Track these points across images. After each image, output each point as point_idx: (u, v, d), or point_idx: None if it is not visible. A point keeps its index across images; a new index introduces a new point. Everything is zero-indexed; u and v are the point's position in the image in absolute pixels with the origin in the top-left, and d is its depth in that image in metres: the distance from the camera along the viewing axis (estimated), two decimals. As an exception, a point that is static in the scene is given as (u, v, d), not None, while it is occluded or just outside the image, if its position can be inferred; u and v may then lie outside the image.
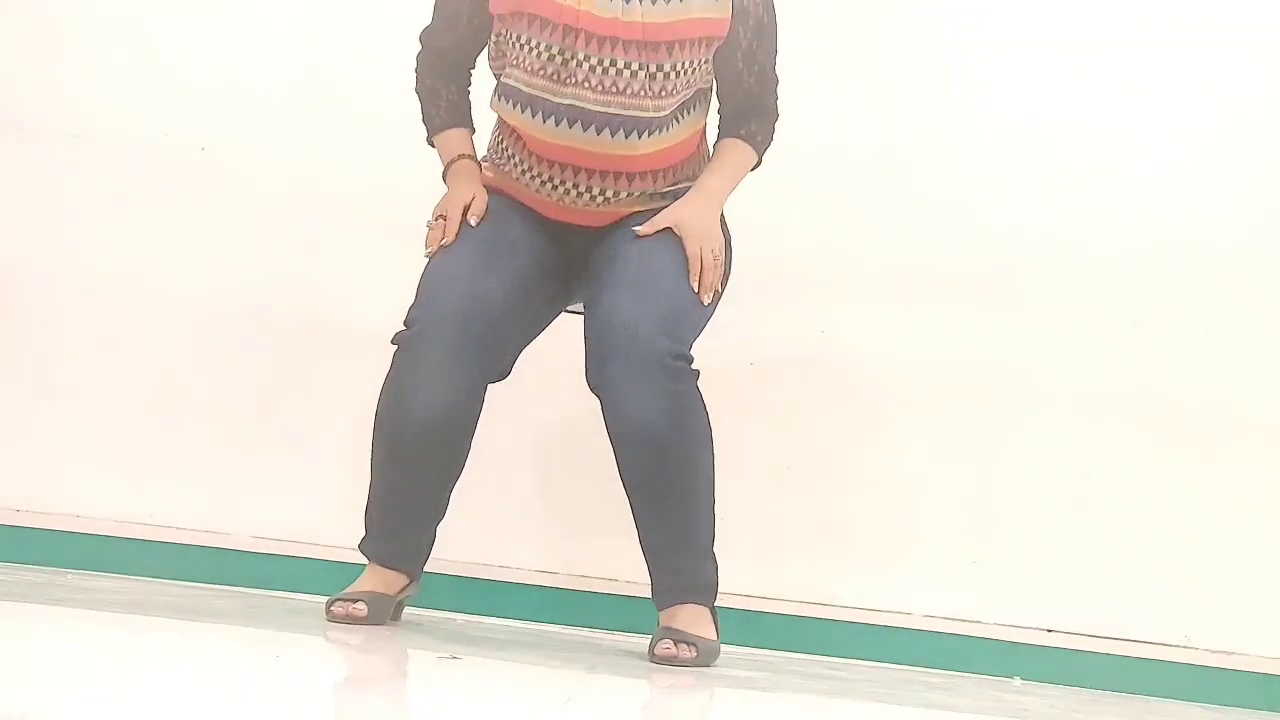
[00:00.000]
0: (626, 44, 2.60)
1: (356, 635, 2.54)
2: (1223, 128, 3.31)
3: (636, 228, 2.66)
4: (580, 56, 2.61)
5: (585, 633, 3.11)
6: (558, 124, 2.63)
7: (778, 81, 2.78)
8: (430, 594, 2.81)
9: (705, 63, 2.68)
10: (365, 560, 2.70)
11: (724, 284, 2.72)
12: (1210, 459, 3.24)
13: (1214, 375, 3.26)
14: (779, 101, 2.79)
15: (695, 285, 2.64)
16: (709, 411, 2.60)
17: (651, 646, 2.60)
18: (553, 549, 3.26)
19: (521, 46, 2.63)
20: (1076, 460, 3.26)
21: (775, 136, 2.80)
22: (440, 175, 2.78)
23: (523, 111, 2.65)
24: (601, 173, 2.66)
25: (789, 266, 3.29)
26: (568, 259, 2.74)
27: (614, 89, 2.61)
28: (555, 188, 2.68)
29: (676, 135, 2.69)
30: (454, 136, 2.78)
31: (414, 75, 2.80)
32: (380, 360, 2.62)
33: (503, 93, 2.68)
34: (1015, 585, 3.23)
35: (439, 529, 2.71)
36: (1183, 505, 3.24)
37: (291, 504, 3.24)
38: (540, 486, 3.29)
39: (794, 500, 3.25)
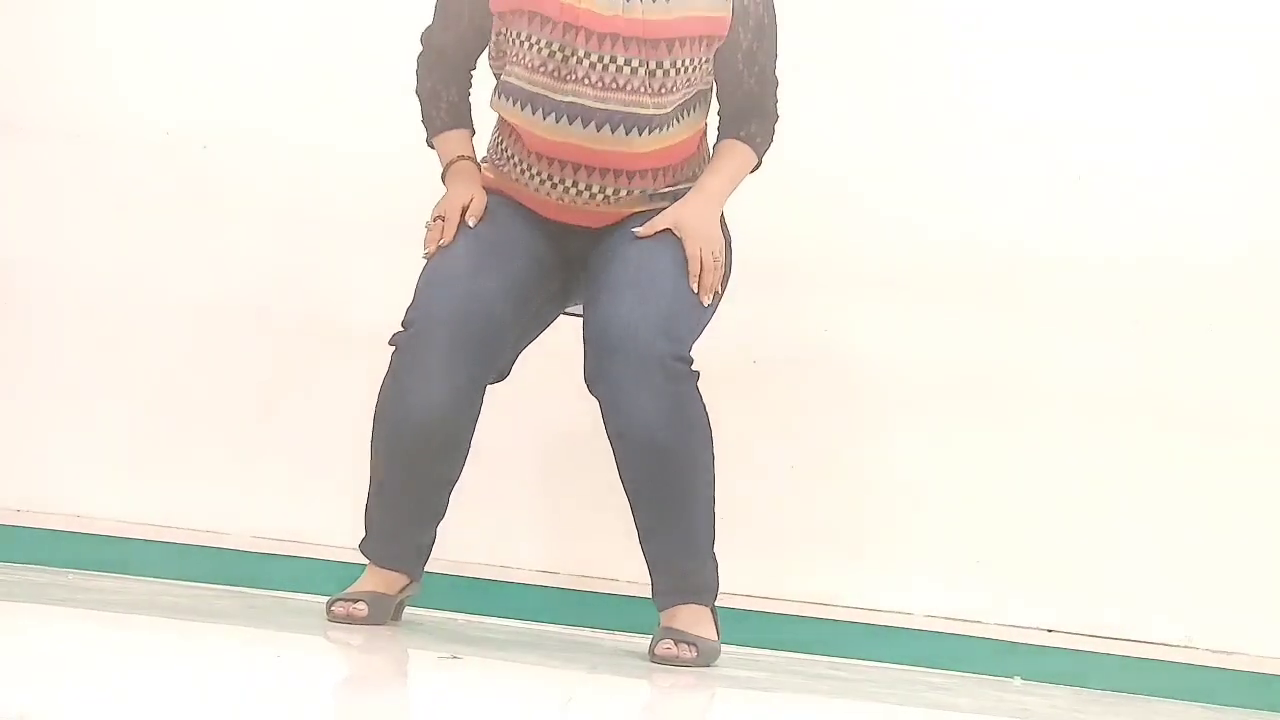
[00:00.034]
0: (627, 41, 2.60)
1: (357, 635, 2.54)
2: (1223, 128, 3.31)
3: (636, 229, 2.66)
4: (580, 53, 2.60)
5: (586, 633, 3.10)
6: (558, 121, 2.63)
7: (778, 83, 2.78)
8: (431, 594, 2.81)
9: (705, 62, 2.68)
10: (366, 560, 2.70)
11: (724, 285, 2.71)
12: (1211, 459, 3.24)
13: (1214, 375, 3.26)
14: (779, 103, 2.79)
15: (695, 286, 2.63)
16: (710, 411, 2.60)
17: (652, 646, 2.60)
18: (553, 549, 3.26)
19: (522, 44, 2.63)
20: (1078, 460, 3.26)
21: (775, 138, 2.79)
22: (440, 176, 2.78)
23: (523, 109, 2.65)
24: (601, 170, 2.66)
25: (790, 266, 3.29)
26: (567, 260, 2.74)
27: (614, 85, 2.61)
28: (555, 186, 2.68)
29: (676, 135, 2.69)
30: (454, 138, 2.77)
31: (414, 77, 2.80)
32: (380, 360, 2.62)
33: (503, 91, 2.68)
34: (1016, 585, 3.23)
35: (439, 529, 2.71)
36: (1183, 505, 3.24)
37: (291, 504, 3.24)
38: (541, 486, 3.29)
39: (795, 500, 3.25)
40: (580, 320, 2.67)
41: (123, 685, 1.91)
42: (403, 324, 2.60)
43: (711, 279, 2.65)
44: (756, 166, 2.80)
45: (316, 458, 3.23)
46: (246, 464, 3.26)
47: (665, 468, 2.57)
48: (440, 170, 2.78)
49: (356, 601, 2.62)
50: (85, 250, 3.31)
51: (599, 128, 2.62)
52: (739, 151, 2.76)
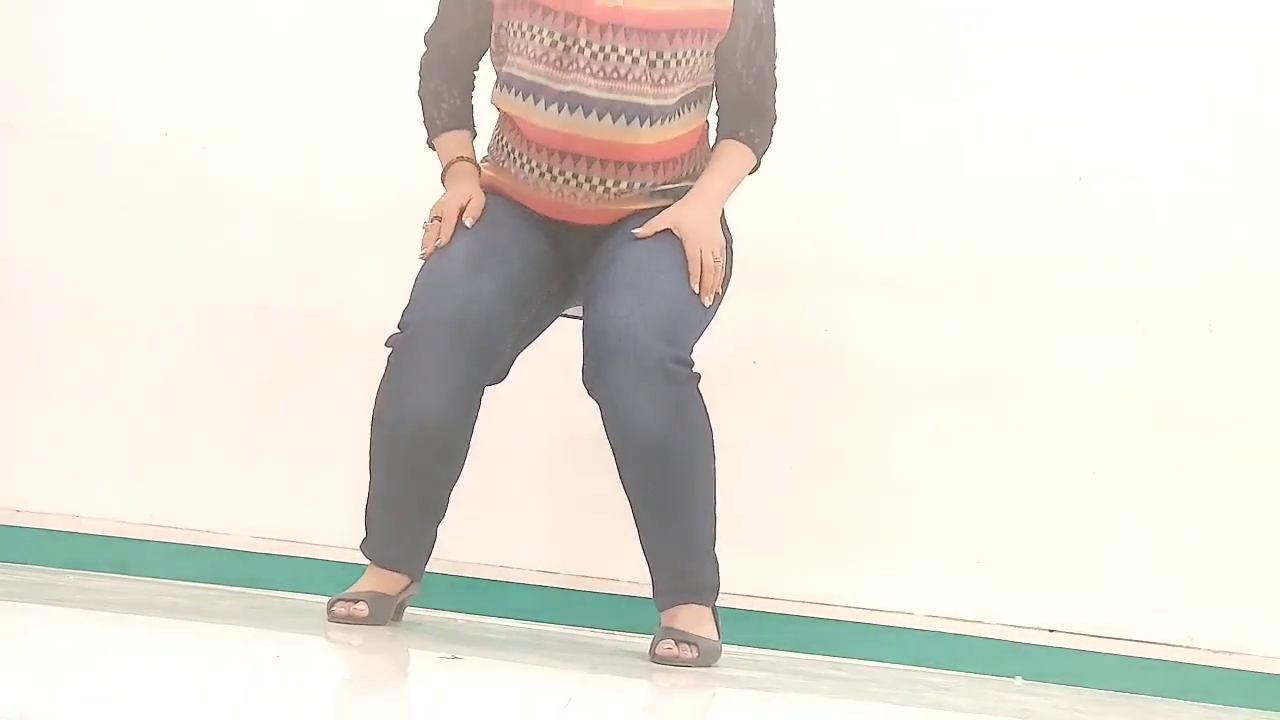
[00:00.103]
0: (628, 31, 2.60)
1: (357, 636, 2.54)
2: (1223, 127, 3.31)
3: (635, 230, 2.65)
4: (582, 43, 2.61)
5: (586, 633, 3.10)
6: (560, 111, 2.62)
7: (776, 85, 2.78)
8: (431, 594, 2.81)
9: (706, 56, 2.68)
10: (366, 561, 2.70)
11: (725, 286, 2.71)
12: (1211, 459, 3.24)
13: (1214, 375, 3.26)
14: (777, 104, 2.79)
15: (695, 287, 2.63)
16: (710, 412, 2.59)
17: (653, 647, 2.60)
18: (553, 549, 3.26)
19: (523, 35, 2.63)
20: (1077, 460, 3.26)
21: (774, 139, 2.79)
22: (439, 177, 2.77)
23: (524, 99, 2.64)
24: (602, 162, 2.65)
25: (790, 266, 3.29)
26: (566, 261, 2.74)
27: (615, 75, 2.61)
28: (555, 179, 2.67)
29: (677, 129, 2.68)
30: (454, 139, 2.77)
31: (417, 78, 2.80)
32: (380, 360, 2.61)
33: (504, 82, 2.68)
34: (1017, 585, 3.23)
35: (440, 529, 2.71)
36: (1183, 505, 3.24)
37: (292, 504, 3.23)
38: (541, 487, 3.29)
39: (796, 500, 3.25)
40: (579, 322, 2.66)
41: (122, 685, 1.91)
42: (399, 326, 2.60)
43: (712, 280, 2.64)
44: (755, 168, 2.80)
45: (316, 457, 3.23)
46: (246, 464, 3.26)
47: (665, 469, 2.56)
48: (440, 171, 2.77)
49: (357, 602, 2.61)
50: (85, 250, 3.31)
51: (600, 117, 2.62)
52: (738, 152, 2.76)
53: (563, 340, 2.74)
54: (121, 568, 3.15)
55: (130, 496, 3.24)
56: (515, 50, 2.65)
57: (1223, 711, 3.08)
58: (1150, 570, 3.22)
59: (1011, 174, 3.32)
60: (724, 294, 2.71)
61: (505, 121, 2.73)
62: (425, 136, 2.80)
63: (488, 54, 2.76)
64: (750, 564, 3.07)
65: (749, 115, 2.76)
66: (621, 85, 2.61)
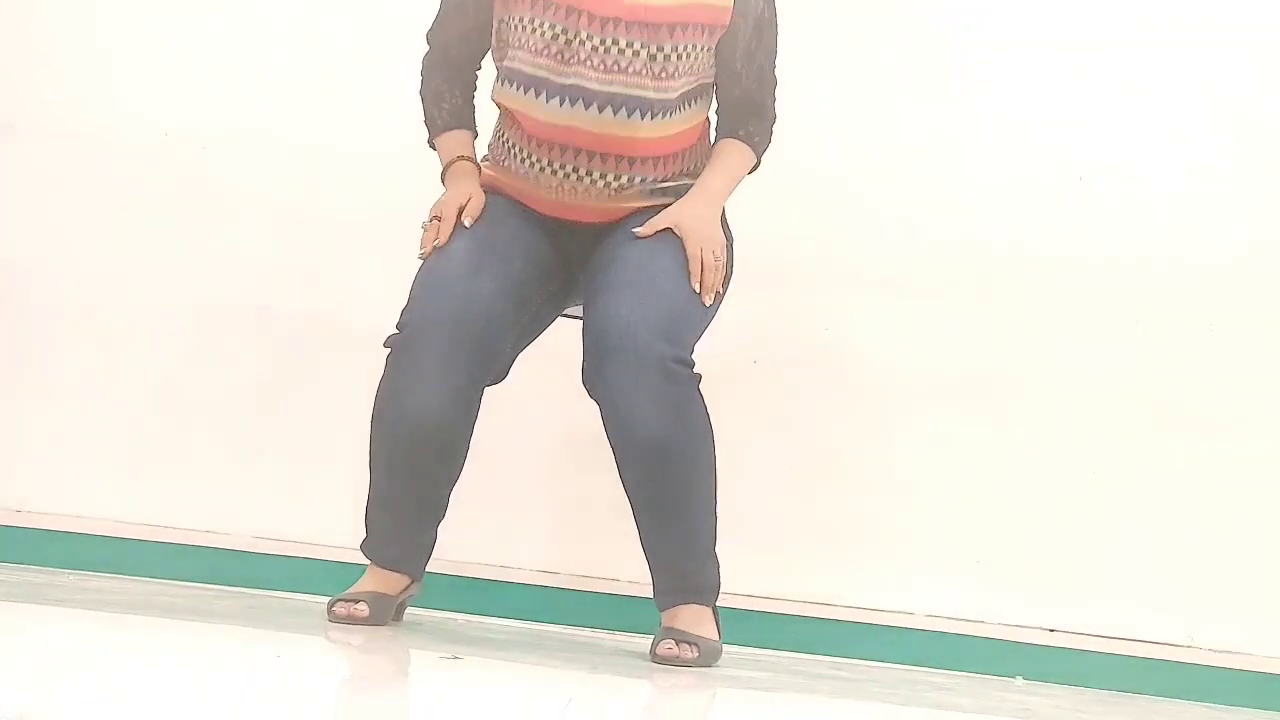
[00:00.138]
0: (629, 24, 2.60)
1: (358, 636, 2.54)
2: (1223, 127, 3.31)
3: (636, 229, 2.65)
4: (583, 36, 2.61)
5: (587, 633, 3.10)
6: (561, 104, 2.62)
7: (776, 83, 2.78)
8: (431, 594, 2.81)
9: (707, 51, 2.68)
10: (367, 561, 2.69)
11: (725, 285, 2.71)
12: (1211, 459, 3.24)
13: (1214, 375, 3.26)
14: (777, 103, 2.79)
15: (696, 286, 2.63)
16: (710, 411, 2.59)
17: (653, 647, 2.60)
18: (554, 549, 3.25)
19: (524, 29, 2.63)
20: (1078, 460, 3.26)
21: (774, 138, 2.79)
22: (439, 177, 2.77)
23: (525, 92, 2.64)
24: (602, 156, 2.65)
25: (790, 266, 3.29)
26: (566, 260, 2.73)
27: (615, 68, 2.61)
28: (555, 173, 2.67)
29: (678, 124, 2.68)
30: (454, 138, 2.77)
31: (419, 78, 2.80)
32: (380, 360, 2.61)
33: (505, 77, 2.68)
34: (1018, 585, 3.22)
35: (440, 529, 2.70)
36: (1183, 505, 3.24)
37: (292, 504, 3.23)
38: (541, 486, 3.29)
39: (796, 499, 3.25)
40: (579, 321, 2.66)
41: (122, 685, 1.91)
42: (398, 326, 2.59)
43: (712, 279, 2.64)
44: (755, 167, 2.79)
45: (316, 457, 3.23)
46: (246, 464, 3.26)
47: (665, 469, 2.56)
48: (440, 171, 2.77)
49: (357, 602, 2.61)
50: (85, 250, 3.31)
51: (601, 110, 2.62)
52: (738, 151, 2.76)
53: (563, 340, 2.74)
54: (121, 568, 3.15)
55: (130, 496, 3.24)
56: (516, 44, 2.65)
57: (1224, 711, 3.08)
58: (1151, 570, 3.22)
59: (1011, 174, 3.32)
60: (725, 293, 2.71)
61: (506, 118, 2.73)
62: (426, 136, 2.80)
63: (489, 54, 2.76)
64: (750, 564, 3.06)
65: (749, 114, 2.76)
66: (622, 78, 2.61)
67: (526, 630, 3.03)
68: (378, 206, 3.25)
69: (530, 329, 2.73)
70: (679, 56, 2.64)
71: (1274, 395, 3.26)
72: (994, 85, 3.33)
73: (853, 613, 3.21)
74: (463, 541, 2.89)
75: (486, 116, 2.80)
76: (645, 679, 2.50)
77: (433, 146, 2.80)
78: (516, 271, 2.65)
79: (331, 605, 2.62)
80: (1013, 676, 3.16)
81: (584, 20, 2.60)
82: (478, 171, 2.75)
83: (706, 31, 2.66)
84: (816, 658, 3.12)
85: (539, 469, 3.29)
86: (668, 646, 2.57)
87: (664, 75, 2.63)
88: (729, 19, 2.67)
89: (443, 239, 2.64)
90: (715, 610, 2.66)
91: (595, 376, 2.56)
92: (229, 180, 3.32)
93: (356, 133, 3.31)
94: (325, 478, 3.18)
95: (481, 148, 2.80)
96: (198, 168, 3.33)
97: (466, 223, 2.66)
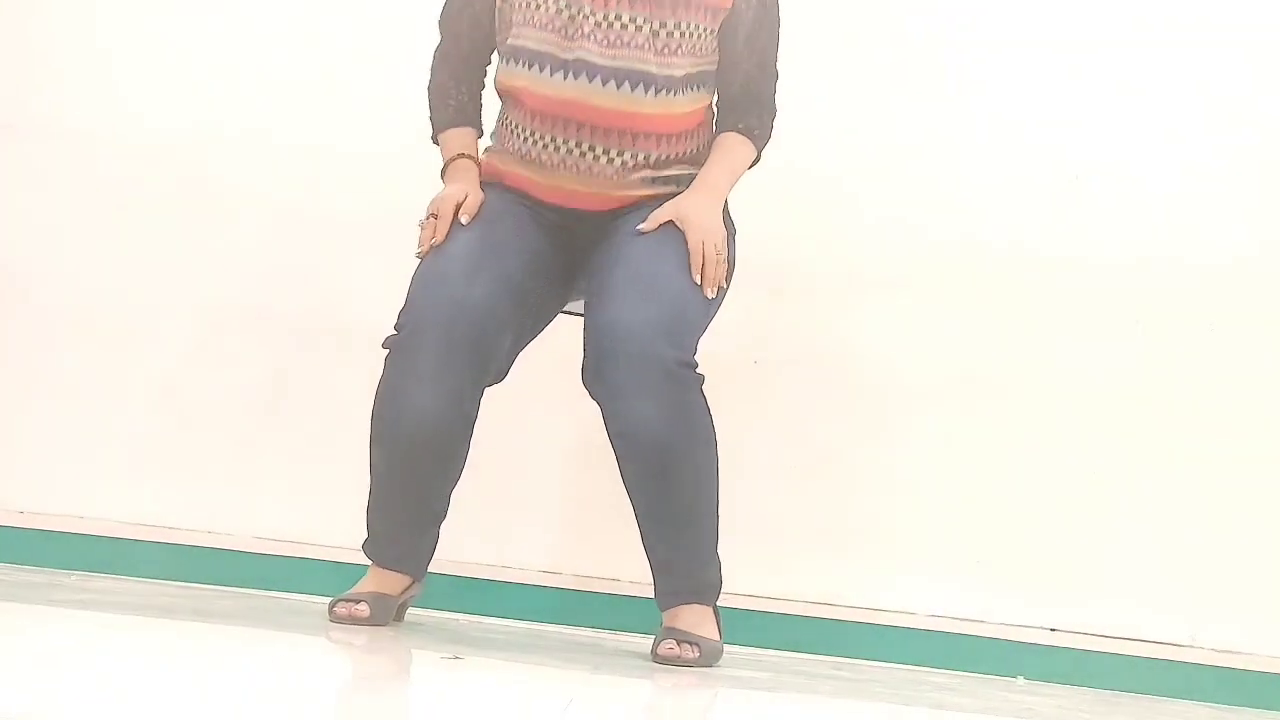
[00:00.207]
0: (632, 0, 2.61)
1: (359, 636, 2.54)
2: (1220, 127, 3.31)
3: (639, 225, 2.64)
4: (586, 11, 2.62)
5: (588, 633, 3.10)
6: (565, 77, 2.62)
7: (777, 76, 2.78)
8: (432, 594, 2.81)
9: (710, 34, 2.68)
10: (368, 561, 2.69)
11: (729, 279, 2.70)
12: (1211, 459, 3.23)
13: (1214, 375, 3.26)
14: (777, 97, 2.78)
15: (697, 279, 2.62)
16: (712, 411, 2.59)
17: (654, 647, 2.59)
18: (555, 549, 3.25)
19: (528, 6, 2.64)
20: (1078, 460, 3.26)
21: (774, 133, 2.79)
22: (439, 173, 2.77)
23: (529, 68, 2.64)
24: (605, 130, 2.65)
25: (790, 266, 3.29)
26: (566, 256, 2.72)
27: (618, 43, 2.62)
28: (559, 149, 2.66)
29: (681, 105, 2.68)
30: (457, 135, 2.77)
31: (429, 70, 2.79)
32: (380, 360, 2.61)
33: (510, 55, 2.67)
34: (1019, 585, 3.22)
35: (441, 529, 2.70)
36: (1184, 505, 3.24)
37: (293, 504, 3.23)
38: (542, 487, 3.28)
39: (798, 499, 3.24)
40: (580, 320, 2.66)
41: (123, 685, 1.90)
42: (395, 327, 2.58)
43: (714, 272, 2.63)
44: (756, 161, 2.79)
45: (317, 457, 3.22)
46: (247, 464, 3.26)
47: (667, 470, 2.55)
48: (440, 168, 2.77)
49: (359, 602, 2.61)
50: (85, 250, 3.31)
51: (604, 83, 2.62)
52: (738, 144, 2.76)
53: (564, 340, 2.73)
54: (121, 568, 3.15)
55: (130, 496, 3.23)
56: (521, 22, 2.65)
57: (1226, 711, 3.07)
58: (1152, 570, 3.22)
59: (1011, 174, 3.32)
60: (728, 287, 2.70)
61: (509, 101, 2.72)
62: (430, 132, 2.79)
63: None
64: (751, 564, 3.06)
65: (749, 107, 2.76)
66: (625, 52, 2.62)
67: (527, 630, 3.03)
68: (378, 206, 3.25)
69: (530, 327, 2.72)
70: (681, 34, 2.64)
71: (1274, 395, 3.26)
72: (990, 85, 3.33)
73: (854, 613, 3.21)
74: (464, 542, 2.89)
75: (489, 116, 2.79)
76: (646, 679, 2.50)
77: (436, 142, 2.79)
78: (515, 270, 2.64)
79: (333, 606, 2.61)
80: (1014, 676, 3.16)
81: None
82: (478, 170, 2.74)
83: (709, 13, 2.67)
84: (817, 658, 3.12)
85: (540, 469, 3.29)
86: (669, 646, 2.57)
87: (666, 51, 2.63)
88: (731, 1, 2.67)
89: (440, 237, 2.63)
90: (716, 610, 2.66)
91: (597, 377, 2.55)
92: (229, 180, 3.32)
93: (356, 133, 3.31)
94: (325, 478, 3.18)
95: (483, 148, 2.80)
96: (198, 168, 3.32)
97: (464, 220, 2.65)
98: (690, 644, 2.57)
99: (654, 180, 2.69)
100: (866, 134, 3.32)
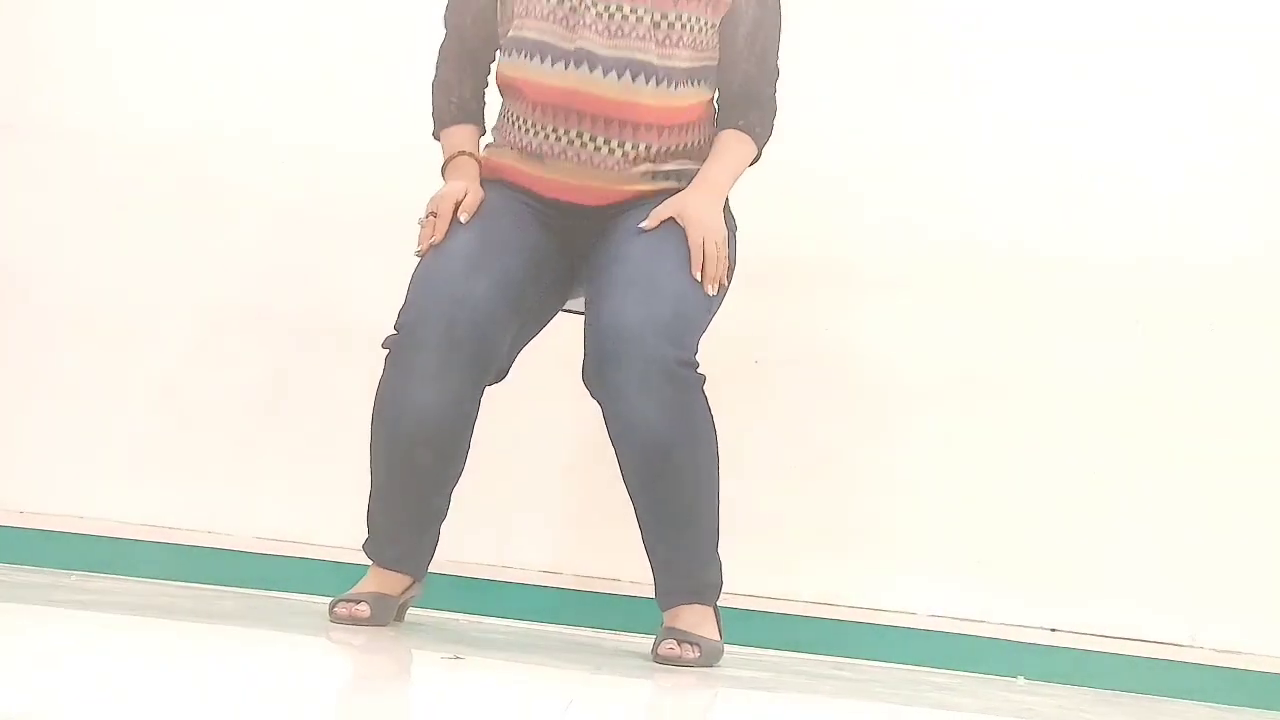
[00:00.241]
0: None
1: (359, 636, 2.54)
2: (1223, 127, 3.31)
3: (641, 224, 2.64)
4: (588, 2, 2.63)
5: (588, 633, 3.10)
6: (567, 67, 2.63)
7: (778, 74, 2.78)
8: (432, 594, 2.81)
9: (711, 28, 2.68)
10: (369, 561, 2.69)
11: (730, 276, 2.69)
12: (1215, 458, 3.23)
13: (1214, 375, 3.26)
14: (778, 95, 2.78)
15: (697, 275, 2.62)
16: (712, 411, 2.59)
17: (655, 647, 2.59)
18: (555, 549, 3.25)
19: None
20: (1078, 460, 3.26)
21: (774, 131, 2.78)
22: (439, 171, 2.76)
23: (531, 59, 2.64)
24: (606, 120, 2.65)
25: (790, 266, 3.29)
26: (566, 253, 2.72)
27: (620, 33, 2.62)
28: (560, 139, 2.66)
29: (682, 98, 2.68)
30: (458, 132, 2.76)
31: (434, 66, 2.79)
32: (380, 360, 2.61)
33: (511, 47, 2.68)
34: (1019, 585, 3.22)
35: (441, 529, 2.70)
36: (1184, 505, 3.24)
37: (293, 504, 3.23)
38: (542, 486, 3.28)
39: (798, 499, 3.24)
40: (581, 319, 2.65)
41: (123, 685, 1.90)
42: (395, 327, 2.58)
43: (715, 269, 2.63)
44: (756, 158, 2.78)
45: (317, 457, 3.22)
46: (247, 464, 3.26)
47: (668, 471, 2.55)
48: (440, 165, 2.77)
49: (359, 602, 2.60)
50: (85, 250, 3.31)
51: (605, 73, 2.62)
52: (739, 141, 2.75)
53: (564, 339, 2.73)
54: (123, 568, 3.15)
55: (130, 496, 3.23)
56: (522, 13, 2.66)
57: (1227, 711, 3.07)
58: (1152, 570, 3.22)
59: (1011, 174, 3.32)
60: (729, 285, 2.70)
61: (510, 93, 2.72)
62: (431, 128, 2.79)
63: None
64: (751, 564, 3.06)
65: (750, 105, 2.75)
66: (627, 43, 2.62)
67: (528, 630, 3.03)
68: (377, 206, 3.25)
69: (530, 325, 2.72)
70: (682, 25, 2.65)
71: (1274, 395, 3.26)
72: (994, 85, 3.33)
73: (854, 613, 3.21)
74: (464, 541, 2.89)
75: (490, 115, 2.79)
76: (647, 679, 2.49)
77: (437, 139, 2.79)
78: (514, 268, 2.63)
79: (333, 606, 2.61)
80: (1015, 676, 3.16)
81: None
82: (478, 168, 2.74)
83: (710, 6, 2.67)
84: (818, 658, 3.12)
85: (541, 469, 3.29)
86: (669, 646, 2.57)
87: (668, 43, 2.64)
88: None
89: (439, 236, 2.62)
90: (717, 610, 2.66)
91: (597, 377, 2.55)
92: (229, 180, 3.32)
93: (356, 133, 3.31)
94: (325, 478, 3.18)
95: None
96: (198, 168, 3.33)
97: (463, 218, 2.64)
98: (691, 644, 2.57)
99: (655, 175, 2.69)
100: (870, 134, 3.32)
